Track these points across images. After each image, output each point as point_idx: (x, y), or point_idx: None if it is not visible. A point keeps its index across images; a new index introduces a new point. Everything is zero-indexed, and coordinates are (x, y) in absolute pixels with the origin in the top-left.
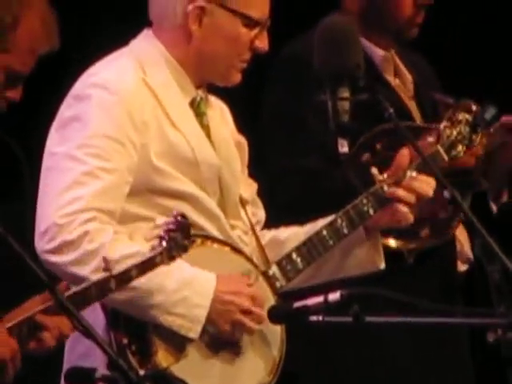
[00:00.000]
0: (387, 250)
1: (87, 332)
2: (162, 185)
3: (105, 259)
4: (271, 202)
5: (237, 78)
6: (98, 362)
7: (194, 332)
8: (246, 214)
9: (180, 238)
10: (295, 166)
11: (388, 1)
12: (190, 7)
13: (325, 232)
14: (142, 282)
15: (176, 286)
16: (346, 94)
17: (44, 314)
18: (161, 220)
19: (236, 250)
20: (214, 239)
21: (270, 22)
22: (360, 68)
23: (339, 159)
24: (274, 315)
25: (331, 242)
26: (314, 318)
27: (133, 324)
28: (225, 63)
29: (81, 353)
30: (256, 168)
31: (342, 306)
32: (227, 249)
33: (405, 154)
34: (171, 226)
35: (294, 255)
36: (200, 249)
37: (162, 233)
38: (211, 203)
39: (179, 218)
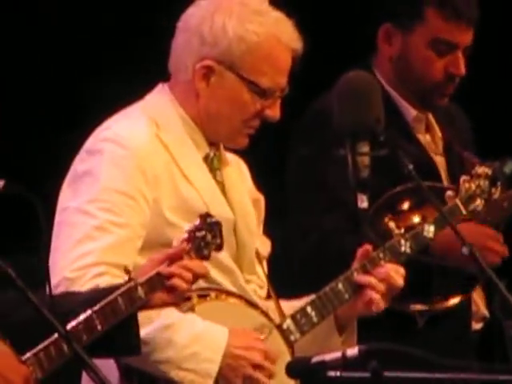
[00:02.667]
0: (397, 313)
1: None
2: (174, 237)
3: (125, 269)
4: (285, 261)
5: (242, 142)
6: None
7: None
8: (262, 268)
9: (210, 237)
10: (313, 225)
11: (415, 65)
12: (198, 66)
13: (340, 286)
14: (151, 336)
15: (186, 341)
16: (365, 148)
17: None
18: (188, 225)
19: (250, 303)
20: (229, 293)
21: (286, 91)
22: (380, 122)
23: (358, 216)
24: (293, 370)
25: (347, 296)
26: (332, 373)
27: (146, 378)
28: (229, 126)
29: None
30: (274, 225)
31: (360, 362)
32: (242, 302)
33: (366, 248)
34: (197, 226)
35: (309, 309)
36: (214, 302)
37: (186, 235)
38: (226, 257)
39: (207, 218)
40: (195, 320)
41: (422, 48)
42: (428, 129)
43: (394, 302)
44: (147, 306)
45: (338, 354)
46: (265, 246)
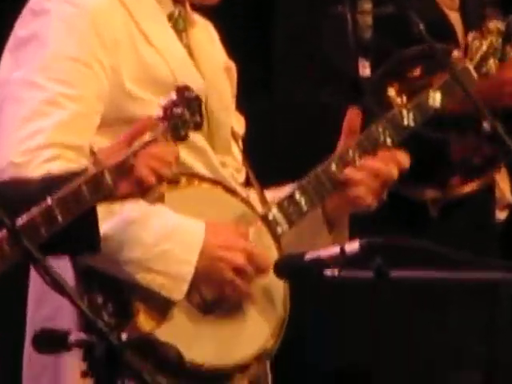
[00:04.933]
0: (406, 202)
1: (58, 285)
2: (138, 113)
3: (92, 152)
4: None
5: None
6: (65, 326)
7: (177, 292)
8: (239, 148)
9: (188, 114)
10: (306, 100)
11: None
12: None
13: (334, 166)
14: (114, 232)
15: (155, 238)
16: (367, 5)
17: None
18: (164, 100)
19: (229, 190)
20: (203, 178)
21: None
22: None
23: (359, 86)
24: (282, 269)
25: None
26: (329, 272)
27: (108, 282)
28: None
29: (45, 316)
30: (247, 100)
31: (361, 259)
32: (218, 189)
33: (354, 112)
34: (174, 102)
35: (298, 195)
36: (185, 190)
37: (161, 113)
38: (196, 135)
39: (185, 92)
40: (166, 212)
41: None
42: None
43: (401, 188)
44: (112, 196)
45: (335, 250)
46: (239, 124)
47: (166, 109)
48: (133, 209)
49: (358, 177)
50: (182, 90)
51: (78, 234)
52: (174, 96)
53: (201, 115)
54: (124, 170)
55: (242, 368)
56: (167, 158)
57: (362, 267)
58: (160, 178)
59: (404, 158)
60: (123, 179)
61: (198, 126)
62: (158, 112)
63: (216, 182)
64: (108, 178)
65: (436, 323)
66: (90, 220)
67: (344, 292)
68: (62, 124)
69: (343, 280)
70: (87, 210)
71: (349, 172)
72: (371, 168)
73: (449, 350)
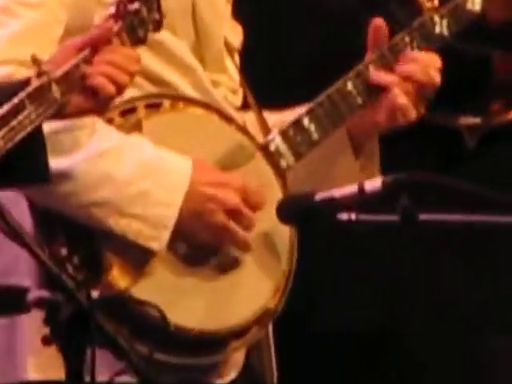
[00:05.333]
0: (438, 131)
1: (13, 233)
2: None
3: (33, 57)
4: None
5: None
6: (23, 283)
7: (158, 241)
8: (234, 64)
9: (145, 11)
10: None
11: None
12: None
13: (350, 86)
14: (79, 168)
15: (131, 175)
16: None
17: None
18: None
19: (222, 115)
20: (190, 100)
21: None
22: None
23: None
24: (287, 211)
25: (359, 101)
26: (344, 215)
27: (74, 229)
28: None
29: None
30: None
31: (384, 200)
32: (208, 114)
33: (378, 24)
34: None
35: (306, 121)
36: (168, 116)
37: (113, 10)
38: (181, 48)
39: None
40: (143, 144)
41: None
42: None
43: (433, 114)
44: (62, 112)
45: (352, 189)
46: (235, 34)
47: (118, 5)
48: (102, 139)
49: (396, 79)
50: None
51: (22, 159)
52: None
53: (160, 12)
54: (75, 80)
55: (239, 333)
56: (126, 63)
57: (385, 209)
58: (119, 88)
59: (441, 65)
60: (74, 92)
61: (157, 26)
62: (109, 10)
63: (206, 106)
64: (55, 90)
65: (472, 279)
66: (35, 142)
67: (362, 240)
68: (16, 36)
69: (361, 225)
70: (32, 130)
71: (378, 75)
72: (404, 71)
73: (488, 310)
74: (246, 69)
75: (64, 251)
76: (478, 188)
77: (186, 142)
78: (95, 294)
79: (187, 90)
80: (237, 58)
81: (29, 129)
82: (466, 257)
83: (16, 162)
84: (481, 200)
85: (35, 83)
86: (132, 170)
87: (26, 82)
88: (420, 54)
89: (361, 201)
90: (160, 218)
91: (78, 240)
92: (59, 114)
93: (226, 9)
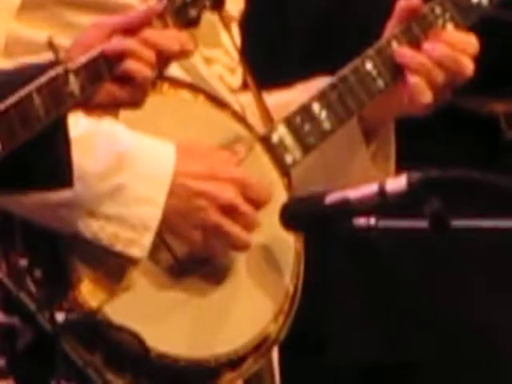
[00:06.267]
0: (473, 118)
1: None
2: None
3: (50, 44)
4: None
5: None
6: None
7: (138, 246)
8: (232, 38)
9: None
10: None
11: None
12: None
13: (369, 65)
14: None
15: (104, 168)
16: None
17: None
18: None
19: (214, 99)
20: (176, 82)
21: None
22: None
23: None
24: (292, 217)
25: (381, 84)
26: (360, 221)
27: (36, 235)
28: None
29: None
30: None
31: (410, 201)
32: (199, 98)
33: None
34: None
35: (316, 107)
36: (150, 99)
37: None
38: None
39: None
40: (119, 132)
41: None
42: None
43: (464, 99)
44: (86, 106)
45: (371, 189)
46: (234, 0)
47: None
48: (70, 127)
49: (417, 60)
50: None
51: (40, 160)
52: None
53: None
54: (98, 70)
55: (233, 363)
56: (168, 45)
57: (411, 214)
58: (160, 73)
59: (477, 45)
60: (98, 83)
61: (218, 3)
62: None
63: (195, 89)
64: (74, 83)
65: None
66: (55, 139)
67: (383, 250)
68: None
69: (382, 233)
70: (53, 127)
71: (403, 53)
72: (431, 53)
73: None
74: (246, 42)
75: (23, 262)
76: None
77: (169, 130)
78: (60, 316)
79: (173, 69)
80: (235, 29)
81: (35, 129)
82: (498, 278)
83: (33, 163)
84: None
85: (48, 74)
86: (104, 162)
87: (37, 68)
88: (452, 35)
89: (382, 203)
90: (140, 217)
91: (41, 248)
92: (85, 106)
93: None
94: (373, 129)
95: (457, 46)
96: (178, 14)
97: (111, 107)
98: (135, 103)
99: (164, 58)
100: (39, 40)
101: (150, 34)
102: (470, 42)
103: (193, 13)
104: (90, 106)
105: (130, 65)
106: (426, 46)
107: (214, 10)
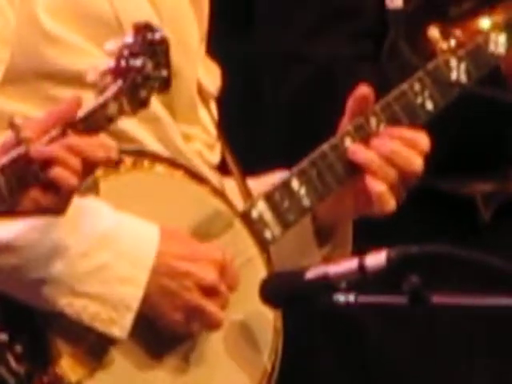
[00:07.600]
0: (448, 199)
1: None
2: (60, 63)
3: (12, 125)
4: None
5: None
6: None
7: (119, 326)
8: (210, 114)
9: (151, 66)
10: (299, 52)
11: None
12: None
13: (349, 141)
14: (23, 239)
15: (87, 247)
16: None
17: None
18: (114, 44)
19: (194, 175)
20: (155, 157)
21: None
22: None
23: (387, 21)
24: (272, 292)
25: (341, 172)
26: (340, 297)
27: (17, 310)
28: None
29: None
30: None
31: (389, 278)
32: (178, 174)
33: (363, 92)
34: (130, 47)
35: (296, 183)
36: (130, 176)
37: (112, 64)
38: None
39: (147, 32)
40: (100, 208)
41: None
42: None
43: (440, 181)
44: (9, 212)
45: (350, 264)
46: (211, 77)
47: (119, 58)
48: None
49: (374, 159)
50: (141, 30)
51: None
52: (129, 39)
53: (168, 68)
54: (23, 174)
55: None
56: (93, 151)
57: (391, 289)
58: (80, 182)
59: (427, 142)
60: (24, 188)
61: (165, 85)
62: (106, 63)
63: (175, 165)
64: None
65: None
66: None
67: (364, 326)
68: None
69: (362, 308)
70: None
71: (354, 151)
72: (382, 148)
73: None
74: (224, 120)
75: (4, 337)
76: (502, 264)
77: (150, 207)
78: None
79: (153, 144)
80: (213, 106)
81: None
82: (493, 353)
83: None
84: (506, 278)
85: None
86: (87, 240)
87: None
88: (403, 131)
89: (361, 279)
90: (121, 297)
91: (22, 324)
92: (11, 212)
93: (200, 48)
94: (330, 229)
95: (406, 143)
96: (131, 95)
97: (34, 214)
98: (59, 211)
99: (88, 166)
100: (16, 111)
101: (75, 141)
102: (421, 138)
103: (143, 94)
104: (10, 213)
105: (58, 172)
106: (375, 141)
107: (161, 91)
